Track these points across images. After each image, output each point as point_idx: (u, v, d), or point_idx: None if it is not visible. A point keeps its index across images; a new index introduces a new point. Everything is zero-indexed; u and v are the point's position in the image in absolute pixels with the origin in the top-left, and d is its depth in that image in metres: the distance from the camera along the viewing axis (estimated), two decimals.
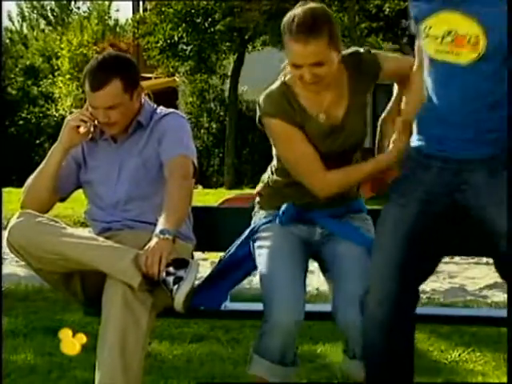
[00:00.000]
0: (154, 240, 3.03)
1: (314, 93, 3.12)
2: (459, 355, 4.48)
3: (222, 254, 3.40)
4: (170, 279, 2.99)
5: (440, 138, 2.83)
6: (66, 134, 3.35)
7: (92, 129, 3.38)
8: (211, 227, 3.59)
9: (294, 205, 3.20)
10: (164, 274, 3.00)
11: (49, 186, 3.37)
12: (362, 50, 3.20)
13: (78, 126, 3.35)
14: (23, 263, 3.27)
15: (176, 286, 2.97)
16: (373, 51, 3.21)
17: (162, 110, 3.48)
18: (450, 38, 2.75)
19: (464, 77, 2.75)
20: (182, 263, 3.03)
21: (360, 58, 3.17)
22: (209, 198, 12.99)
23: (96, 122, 3.36)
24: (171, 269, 3.00)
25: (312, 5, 3.03)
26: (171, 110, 3.50)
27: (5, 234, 3.11)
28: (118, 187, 3.38)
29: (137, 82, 3.37)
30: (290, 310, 2.96)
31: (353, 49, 3.21)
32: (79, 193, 3.54)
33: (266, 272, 3.08)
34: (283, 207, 3.21)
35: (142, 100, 3.44)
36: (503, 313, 3.01)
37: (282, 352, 3.00)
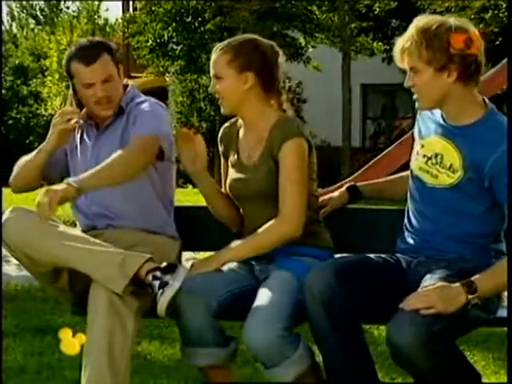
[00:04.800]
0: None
1: (245, 134, 3.26)
2: None
3: (211, 253, 3.39)
4: (156, 283, 3.00)
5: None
6: (53, 139, 3.39)
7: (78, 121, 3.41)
8: (201, 227, 3.58)
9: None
10: (151, 278, 3.00)
11: (34, 177, 3.44)
12: (292, 127, 3.14)
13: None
14: (13, 263, 3.26)
15: (161, 291, 2.98)
16: (294, 141, 3.11)
17: (142, 97, 3.49)
18: (435, 161, 3.03)
19: (433, 194, 3.03)
20: (170, 268, 3.03)
21: (282, 130, 3.14)
22: (199, 197, 12.96)
23: (82, 114, 3.41)
24: (158, 273, 3.01)
25: None
26: (152, 98, 3.50)
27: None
28: None
29: (120, 60, 3.46)
30: (200, 294, 3.02)
31: (290, 118, 3.20)
32: None
33: None
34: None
35: (129, 88, 3.49)
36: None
37: (198, 333, 3.05)
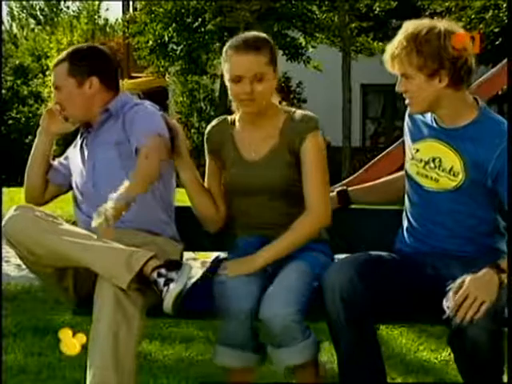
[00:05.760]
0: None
1: (247, 131, 3.24)
2: (449, 354, 4.46)
3: (211, 253, 3.39)
4: (161, 280, 2.99)
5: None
6: (41, 120, 3.60)
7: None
8: (201, 227, 3.58)
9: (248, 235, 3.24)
10: (156, 275, 2.99)
11: (40, 174, 3.48)
12: (314, 121, 3.17)
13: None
14: (13, 263, 3.26)
15: (166, 288, 2.97)
16: (313, 135, 3.14)
17: (136, 101, 3.48)
18: (433, 165, 3.02)
19: (436, 199, 3.01)
20: (174, 265, 3.03)
21: (304, 123, 3.16)
22: None
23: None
24: (163, 270, 3.00)
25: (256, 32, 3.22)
26: (146, 101, 3.49)
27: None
28: (95, 179, 3.36)
29: (90, 71, 3.39)
30: (243, 298, 3.00)
31: (309, 113, 3.21)
32: (67, 193, 3.53)
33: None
34: (239, 240, 3.26)
35: (120, 95, 3.46)
36: None
37: (240, 337, 3.06)
